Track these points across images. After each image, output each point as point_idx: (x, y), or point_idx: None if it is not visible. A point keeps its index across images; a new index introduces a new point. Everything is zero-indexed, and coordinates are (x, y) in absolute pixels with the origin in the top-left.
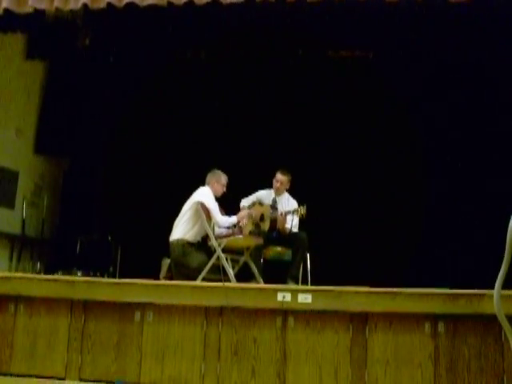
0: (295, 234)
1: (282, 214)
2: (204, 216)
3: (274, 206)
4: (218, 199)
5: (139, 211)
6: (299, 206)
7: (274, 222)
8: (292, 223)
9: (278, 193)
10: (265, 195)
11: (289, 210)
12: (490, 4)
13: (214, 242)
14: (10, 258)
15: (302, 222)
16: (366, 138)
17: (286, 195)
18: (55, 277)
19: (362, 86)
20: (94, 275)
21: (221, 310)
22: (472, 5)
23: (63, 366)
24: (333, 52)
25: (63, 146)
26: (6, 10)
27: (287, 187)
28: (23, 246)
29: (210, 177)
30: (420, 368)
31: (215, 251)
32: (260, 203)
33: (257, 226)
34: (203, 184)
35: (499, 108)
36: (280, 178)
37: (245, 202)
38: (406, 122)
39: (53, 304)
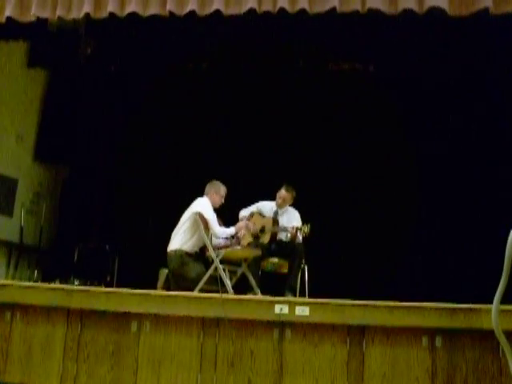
0: (292, 245)
1: (293, 228)
2: (202, 227)
3: (275, 219)
4: (216, 210)
5: (137, 221)
6: (303, 224)
7: (273, 235)
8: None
9: (280, 206)
10: (266, 207)
11: (297, 225)
12: (491, 18)
13: (211, 253)
14: (8, 266)
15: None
16: (365, 151)
17: (288, 207)
18: (52, 285)
19: (362, 98)
20: (92, 284)
21: (218, 322)
22: (473, 18)
23: (59, 375)
24: (333, 64)
25: (63, 155)
26: (9, 19)
27: (290, 203)
28: (21, 254)
29: (208, 187)
30: (417, 382)
31: (213, 262)
32: (260, 214)
33: (256, 237)
34: (202, 194)
35: (498, 121)
36: (284, 194)
37: (244, 212)
38: (406, 135)
39: (49, 313)
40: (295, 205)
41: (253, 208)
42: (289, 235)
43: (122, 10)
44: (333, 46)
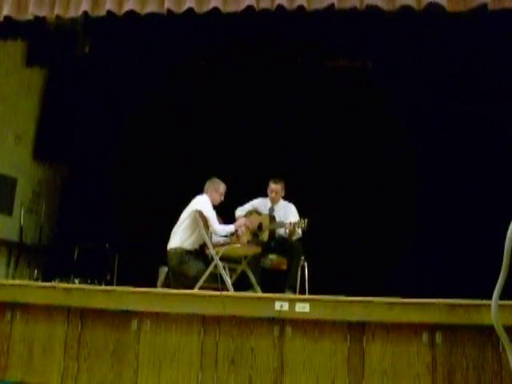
0: (291, 243)
1: (291, 224)
2: (202, 224)
3: (271, 215)
4: (215, 208)
5: (137, 219)
6: (300, 219)
7: (272, 231)
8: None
9: (274, 201)
10: (261, 204)
11: (294, 220)
12: (489, 15)
13: (211, 251)
14: (8, 265)
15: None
16: (363, 148)
17: (282, 202)
18: (52, 284)
19: (360, 95)
20: (92, 283)
21: (218, 319)
22: (471, 15)
23: (59, 373)
24: (332, 61)
25: (62, 153)
26: (7, 17)
27: (283, 194)
28: (21, 253)
29: (208, 185)
30: (418, 378)
31: (213, 260)
32: (257, 212)
33: (255, 235)
34: (201, 192)
35: (497, 117)
36: (274, 187)
37: (240, 211)
38: (405, 131)
39: (50, 311)
40: (294, 200)
41: (248, 206)
42: (287, 230)
43: (120, 9)
44: (331, 42)
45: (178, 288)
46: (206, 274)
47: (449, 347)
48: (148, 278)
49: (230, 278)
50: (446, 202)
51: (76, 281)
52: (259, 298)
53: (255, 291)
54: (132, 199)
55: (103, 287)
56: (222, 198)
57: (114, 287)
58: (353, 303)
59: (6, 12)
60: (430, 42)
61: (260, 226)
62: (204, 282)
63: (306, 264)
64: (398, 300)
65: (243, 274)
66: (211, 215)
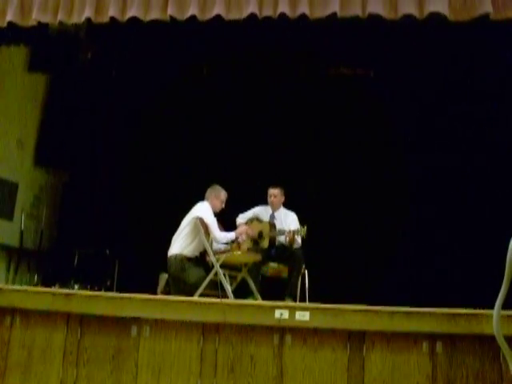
0: (291, 251)
1: (290, 232)
2: (202, 231)
3: (272, 223)
4: (216, 215)
5: (138, 225)
6: (300, 226)
7: (273, 239)
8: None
9: (275, 207)
10: (262, 211)
11: (294, 228)
12: (491, 24)
13: (212, 258)
14: (8, 270)
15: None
16: (364, 156)
17: (283, 209)
18: (52, 290)
19: (362, 104)
20: (92, 289)
21: (218, 327)
22: (473, 24)
23: (58, 379)
24: (334, 70)
25: (63, 159)
26: (10, 23)
27: (282, 200)
28: (21, 258)
29: (209, 192)
30: None
31: (213, 267)
32: (258, 219)
33: (255, 242)
34: (202, 199)
35: (498, 127)
36: (272, 191)
37: (241, 219)
38: (406, 141)
39: (49, 317)
40: (295, 208)
41: (250, 214)
42: (287, 238)
43: (123, 15)
44: (333, 51)
45: (177, 295)
46: (206, 281)
47: (449, 357)
48: (148, 285)
49: (230, 285)
50: (448, 211)
51: (76, 286)
52: (259, 306)
53: (255, 299)
54: (133, 205)
55: (103, 293)
56: (223, 205)
57: (114, 293)
58: (353, 312)
59: (9, 18)
60: (432, 50)
61: (260, 234)
62: (204, 289)
63: (306, 272)
64: (398, 309)
65: (243, 282)
66: (212, 222)
